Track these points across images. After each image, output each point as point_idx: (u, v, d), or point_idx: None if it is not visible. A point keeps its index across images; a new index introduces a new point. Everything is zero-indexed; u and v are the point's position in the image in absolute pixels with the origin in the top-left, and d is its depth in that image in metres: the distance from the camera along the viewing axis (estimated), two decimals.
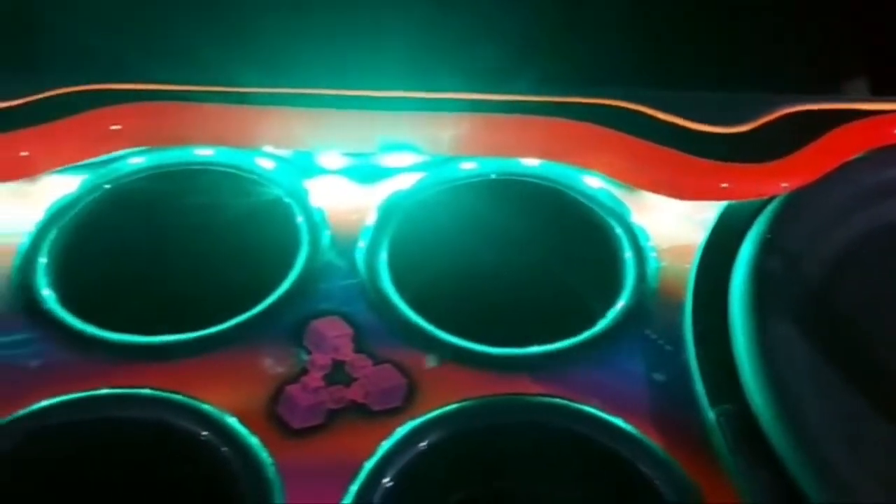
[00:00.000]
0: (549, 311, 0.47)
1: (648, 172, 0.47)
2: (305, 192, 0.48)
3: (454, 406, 0.38)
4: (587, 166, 0.48)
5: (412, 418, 0.38)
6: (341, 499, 0.35)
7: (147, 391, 0.37)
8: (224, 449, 0.36)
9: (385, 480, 0.35)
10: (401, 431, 0.37)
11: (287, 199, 0.47)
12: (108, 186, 0.47)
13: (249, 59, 0.50)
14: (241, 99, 0.49)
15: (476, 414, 0.37)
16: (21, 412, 0.36)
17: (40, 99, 0.48)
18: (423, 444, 0.36)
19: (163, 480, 0.37)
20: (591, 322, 0.43)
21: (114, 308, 0.44)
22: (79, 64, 0.50)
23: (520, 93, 0.50)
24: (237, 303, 0.44)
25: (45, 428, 0.36)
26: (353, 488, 0.35)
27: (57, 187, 0.47)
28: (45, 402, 0.37)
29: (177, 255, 0.48)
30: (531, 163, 0.50)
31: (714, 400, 0.38)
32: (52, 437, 0.36)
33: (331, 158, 0.50)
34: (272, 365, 0.40)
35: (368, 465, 0.36)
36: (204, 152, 0.50)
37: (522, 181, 0.49)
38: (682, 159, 0.47)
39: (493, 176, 0.48)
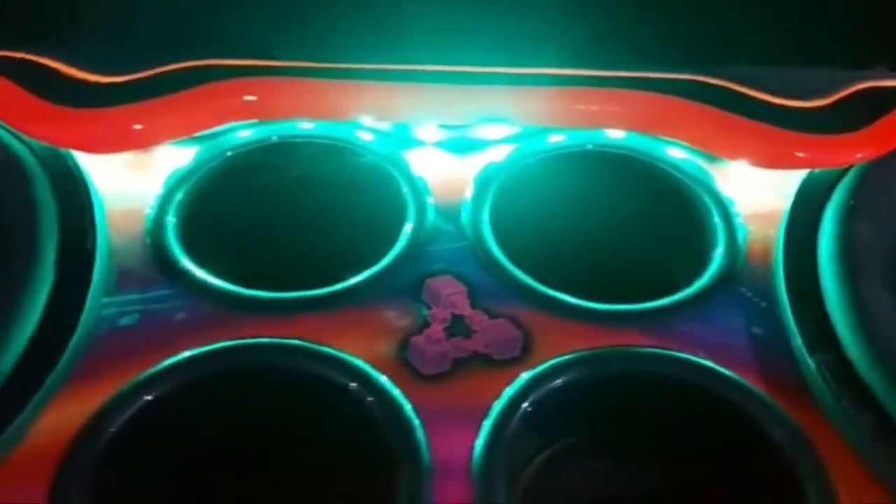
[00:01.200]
0: (642, 273, 0.50)
1: (734, 143, 0.50)
2: (405, 162, 0.51)
3: (570, 356, 0.41)
4: (675, 138, 0.51)
5: (532, 367, 0.41)
6: (476, 436, 0.38)
7: (292, 341, 0.40)
8: (366, 392, 0.39)
9: (512, 421, 0.38)
10: (524, 377, 0.40)
11: (391, 169, 0.50)
12: (229, 153, 0.50)
13: (349, 36, 0.53)
14: (342, 74, 0.52)
15: (592, 362, 0.40)
16: (176, 358, 0.39)
17: (155, 74, 0.51)
18: (544, 389, 0.39)
19: (311, 423, 0.40)
20: (686, 282, 0.46)
21: (235, 267, 0.47)
22: (186, 39, 0.52)
23: (606, 68, 0.53)
24: (350, 264, 0.47)
25: (200, 374, 0.39)
26: (486, 425, 0.38)
27: (170, 157, 0.50)
28: (197, 350, 0.40)
29: (290, 220, 0.50)
30: (617, 134, 0.53)
31: (812, 351, 0.41)
32: (205, 383, 0.39)
33: (427, 131, 0.53)
34: (396, 318, 0.43)
35: (497, 407, 0.39)
36: (305, 125, 0.53)
37: (614, 152, 0.52)
38: (765, 130, 0.50)
39: (590, 147, 0.51)
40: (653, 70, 0.53)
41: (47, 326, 0.40)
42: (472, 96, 0.52)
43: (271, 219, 0.51)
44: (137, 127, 0.48)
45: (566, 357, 0.40)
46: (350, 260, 0.47)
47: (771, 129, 0.50)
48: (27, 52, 0.51)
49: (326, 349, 0.40)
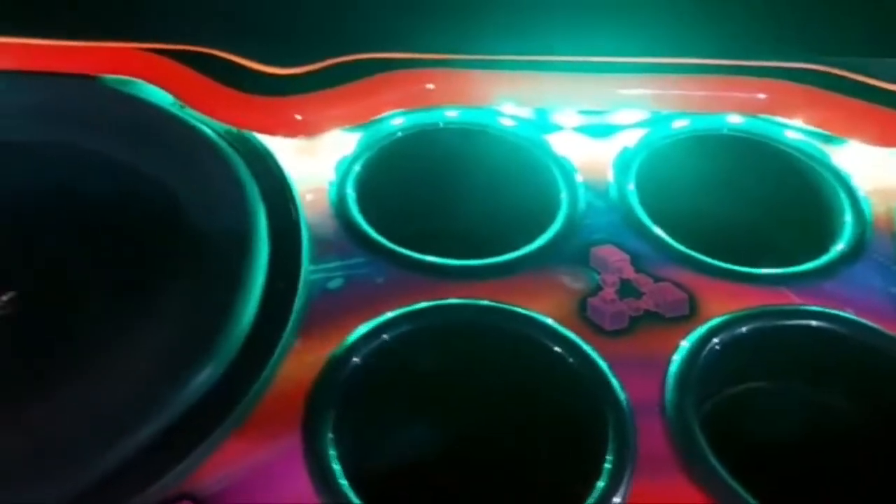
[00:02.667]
0: (776, 244, 0.55)
1: (849, 123, 0.56)
2: (549, 144, 0.56)
3: (736, 313, 0.46)
4: (795, 120, 0.56)
5: (701, 323, 0.45)
6: (662, 380, 0.43)
7: (488, 302, 0.45)
8: (559, 344, 0.44)
9: (693, 368, 0.43)
10: (698, 331, 0.45)
11: (539, 151, 0.55)
12: (399, 134, 0.55)
13: (492, 28, 0.58)
14: (487, 65, 0.57)
15: (758, 318, 0.45)
16: (393, 314, 0.44)
17: (326, 66, 0.56)
18: (716, 341, 0.44)
19: (509, 373, 0.45)
20: (819, 251, 0.51)
21: (407, 237, 0.51)
22: (349, 34, 0.57)
23: (729, 58, 0.58)
24: (512, 236, 0.52)
25: (417, 327, 0.44)
26: (671, 371, 0.43)
27: (335, 141, 0.55)
28: (408, 308, 0.44)
29: (452, 196, 0.55)
30: (737, 119, 0.58)
31: None
32: (420, 335, 0.44)
33: (566, 116, 0.58)
34: (570, 282, 0.48)
35: (676, 357, 0.44)
36: (450, 113, 0.57)
37: (741, 135, 0.57)
38: (877, 111, 0.55)
39: (724, 130, 0.56)
40: (772, 59, 0.58)
41: (274, 289, 0.44)
42: (606, 84, 0.58)
43: (436, 194, 0.55)
44: (298, 117, 0.53)
45: (732, 315, 0.45)
46: (511, 232, 0.52)
47: (882, 110, 0.56)
48: (204, 45, 0.56)
49: (519, 308, 0.45)
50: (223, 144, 0.51)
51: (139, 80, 0.55)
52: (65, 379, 0.39)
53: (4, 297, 0.48)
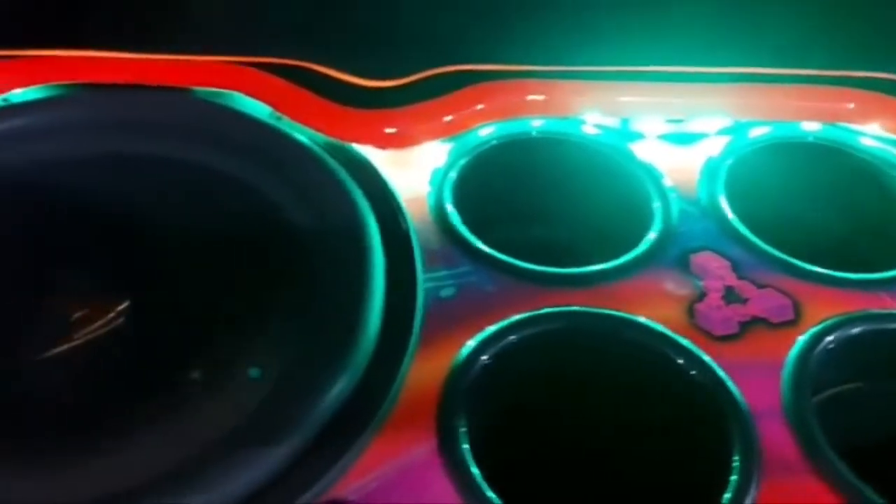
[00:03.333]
0: (857, 249, 0.56)
1: None
2: (637, 152, 0.57)
3: (842, 317, 0.47)
4: (872, 127, 0.58)
5: (809, 327, 0.46)
6: (779, 384, 0.44)
7: (600, 309, 0.46)
8: (674, 352, 0.45)
9: (805, 371, 0.44)
10: (808, 334, 0.46)
11: (629, 159, 0.56)
12: (494, 142, 0.56)
13: (579, 41, 0.59)
14: (573, 76, 0.58)
15: (863, 321, 0.46)
16: (510, 320, 0.45)
17: (417, 79, 0.57)
18: (828, 342, 0.45)
19: (628, 382, 0.46)
20: None
21: (501, 245, 0.52)
22: (436, 46, 0.58)
23: (809, 67, 0.60)
24: (606, 244, 0.53)
25: (535, 332, 0.45)
26: (786, 375, 0.44)
27: (425, 153, 0.56)
28: (524, 314, 0.45)
29: (547, 204, 0.56)
30: (814, 126, 0.59)
31: None
32: (535, 340, 0.45)
33: (649, 125, 0.59)
34: (675, 289, 0.49)
35: (790, 358, 0.45)
36: (538, 123, 0.59)
37: (822, 143, 0.58)
38: None
39: (811, 139, 0.57)
40: (848, 69, 0.60)
41: (394, 299, 0.45)
42: (688, 93, 0.59)
43: (528, 203, 0.56)
44: (390, 130, 0.55)
45: (842, 317, 0.46)
46: (606, 240, 0.53)
47: None
48: (299, 59, 0.57)
49: (632, 316, 0.46)
50: (328, 156, 0.52)
51: (235, 93, 0.56)
52: (208, 392, 0.40)
53: (120, 307, 0.49)
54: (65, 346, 0.47)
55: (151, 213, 0.51)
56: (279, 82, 0.56)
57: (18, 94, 0.55)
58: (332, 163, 0.51)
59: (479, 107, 0.56)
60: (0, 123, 0.52)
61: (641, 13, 0.60)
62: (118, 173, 0.52)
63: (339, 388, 0.40)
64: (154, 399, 0.42)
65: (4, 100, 0.55)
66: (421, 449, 0.40)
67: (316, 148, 0.52)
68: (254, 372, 0.42)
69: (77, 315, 0.48)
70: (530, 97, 0.57)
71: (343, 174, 0.50)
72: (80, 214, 0.51)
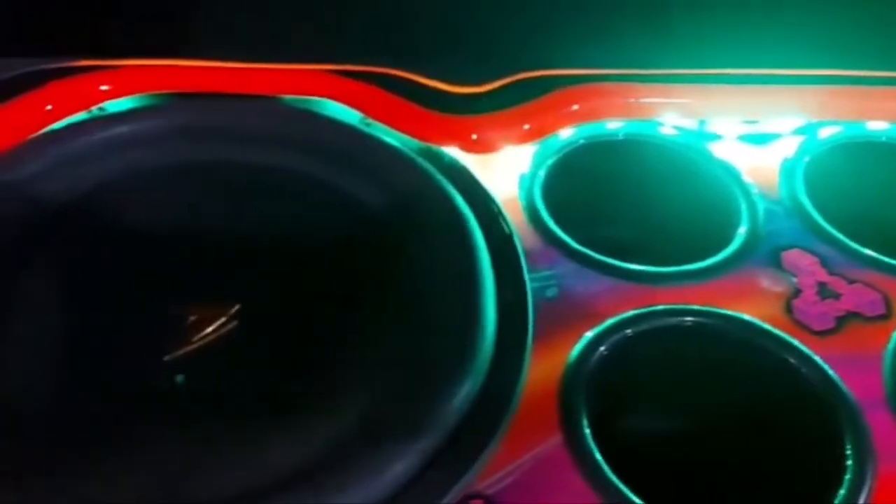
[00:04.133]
0: None
1: None
2: (718, 153, 0.58)
3: None
4: None
5: None
6: (881, 377, 0.45)
7: (702, 307, 0.48)
8: (779, 348, 0.46)
9: None
10: None
11: (711, 160, 0.58)
12: (581, 142, 0.57)
13: (660, 45, 0.61)
14: (656, 79, 0.60)
15: None
16: (624, 315, 0.47)
17: (503, 85, 0.58)
18: None
19: (734, 378, 0.47)
20: None
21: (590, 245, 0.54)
22: (519, 52, 0.60)
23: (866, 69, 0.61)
24: (696, 242, 0.54)
25: (646, 331, 0.46)
26: (887, 367, 0.46)
27: (510, 157, 0.58)
28: (630, 312, 0.47)
29: (632, 203, 0.58)
30: (881, 125, 0.61)
31: None
32: (643, 337, 0.46)
33: (726, 126, 0.60)
34: (770, 286, 0.50)
35: (888, 351, 0.46)
36: (617, 125, 0.60)
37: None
38: None
39: (883, 139, 0.59)
40: None
41: (506, 300, 0.46)
42: (763, 95, 0.60)
43: (615, 203, 0.58)
44: (474, 137, 0.56)
45: None
46: (691, 240, 0.55)
47: None
48: (386, 66, 0.58)
49: (734, 313, 0.48)
50: (426, 162, 0.53)
51: (324, 99, 0.57)
52: (332, 395, 0.42)
53: (231, 312, 0.50)
54: (184, 350, 0.48)
55: (253, 220, 0.52)
56: (368, 88, 0.57)
57: (115, 104, 0.57)
58: (432, 168, 0.52)
59: (564, 111, 0.58)
60: (102, 131, 0.53)
61: (717, 16, 0.61)
62: (219, 181, 0.53)
63: (468, 388, 0.41)
64: (282, 400, 0.43)
65: (101, 109, 0.56)
66: (548, 444, 0.42)
67: (413, 154, 0.53)
68: (375, 373, 0.44)
69: (191, 319, 0.49)
70: (612, 100, 0.59)
71: (442, 179, 0.52)
72: (183, 221, 0.52)
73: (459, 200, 0.51)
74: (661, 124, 0.59)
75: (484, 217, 0.51)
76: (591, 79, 0.59)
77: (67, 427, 0.43)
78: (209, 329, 0.49)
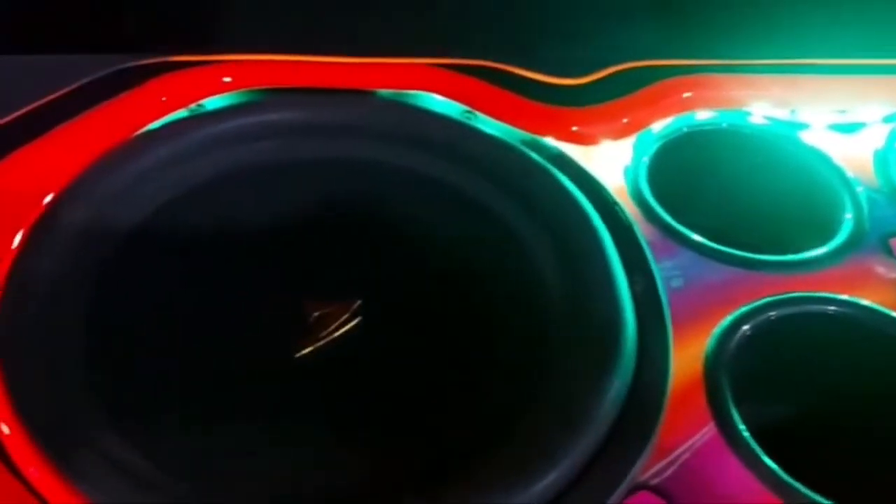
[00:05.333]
0: None
1: None
2: (811, 143, 0.59)
3: None
4: None
5: None
6: None
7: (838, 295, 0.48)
8: None
9: None
10: None
11: (808, 149, 0.58)
12: (685, 130, 0.58)
13: (753, 37, 0.61)
14: (748, 70, 0.60)
15: None
16: (757, 303, 0.47)
17: (605, 76, 0.59)
18: None
19: (864, 365, 0.48)
20: None
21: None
22: (613, 44, 0.60)
23: None
24: (799, 228, 0.55)
25: (780, 318, 0.47)
26: None
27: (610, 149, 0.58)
28: (767, 299, 0.47)
29: (734, 193, 0.58)
30: None
31: None
32: (778, 323, 0.47)
33: (816, 115, 0.61)
34: (886, 273, 0.51)
35: None
36: (706, 115, 0.61)
37: None
38: None
39: None
40: None
41: (638, 292, 0.47)
42: (852, 85, 0.61)
43: (717, 193, 0.58)
44: (575, 129, 0.56)
45: None
46: (794, 228, 0.55)
47: None
48: (486, 59, 0.58)
49: (866, 301, 0.48)
50: (530, 153, 0.53)
51: (423, 92, 0.57)
52: (471, 388, 0.42)
53: (354, 307, 0.50)
54: (312, 346, 0.47)
55: (362, 216, 0.52)
56: (469, 81, 0.57)
57: (213, 100, 0.56)
58: (545, 161, 0.53)
59: (663, 102, 0.58)
60: (211, 126, 0.53)
61: (806, 7, 0.62)
62: (326, 177, 0.53)
63: (622, 381, 0.42)
64: (432, 399, 0.43)
65: (199, 105, 0.56)
66: (702, 432, 0.42)
67: (524, 146, 0.54)
68: (517, 369, 0.44)
69: (315, 315, 0.49)
70: (710, 91, 0.59)
71: (558, 172, 0.52)
72: (295, 217, 0.52)
73: (578, 193, 0.51)
74: (754, 114, 0.60)
75: (601, 209, 0.51)
76: (686, 70, 0.59)
77: (212, 423, 0.42)
78: (334, 325, 0.49)
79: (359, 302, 0.49)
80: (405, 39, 0.57)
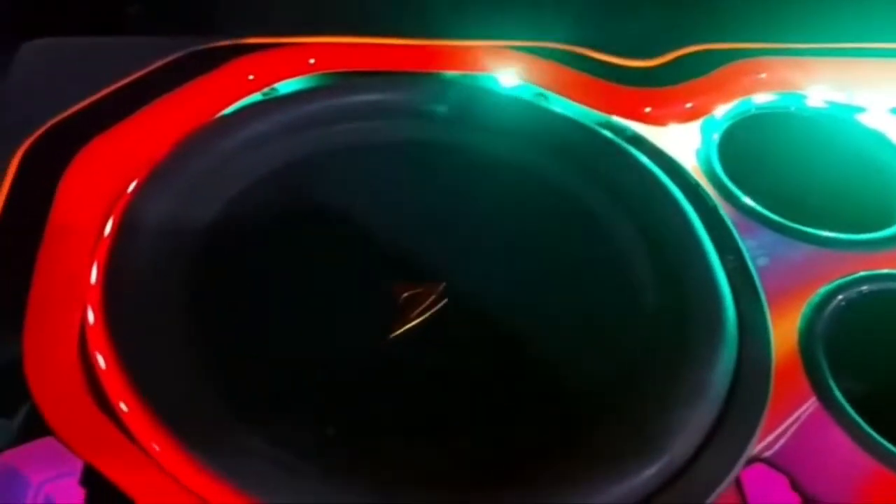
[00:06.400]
0: None
1: None
2: (872, 126, 0.60)
3: None
4: None
5: None
6: None
7: None
8: None
9: None
10: None
11: (872, 132, 0.59)
12: (753, 111, 0.59)
13: (817, 21, 0.62)
14: (811, 53, 0.61)
15: None
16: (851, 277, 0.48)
17: (675, 58, 0.59)
18: None
19: None
20: None
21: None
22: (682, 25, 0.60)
23: None
24: (866, 211, 0.56)
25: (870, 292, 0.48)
26: None
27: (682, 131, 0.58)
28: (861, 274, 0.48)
29: (800, 175, 0.59)
30: None
31: None
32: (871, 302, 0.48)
33: (876, 98, 0.62)
34: None
35: None
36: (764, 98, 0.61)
37: None
38: None
39: None
40: None
41: (729, 267, 0.47)
42: None
43: (783, 175, 0.59)
44: (688, 106, 0.57)
45: None
46: (860, 206, 0.56)
47: None
48: (557, 41, 0.58)
49: None
50: (615, 136, 0.54)
51: (495, 74, 0.57)
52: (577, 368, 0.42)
53: (440, 289, 0.50)
54: (404, 328, 0.48)
55: (445, 199, 0.52)
56: (542, 62, 0.57)
57: (287, 84, 0.56)
58: (625, 144, 0.53)
59: (734, 85, 0.59)
60: (297, 108, 0.52)
61: None
62: (414, 159, 0.53)
63: (729, 356, 0.42)
64: (530, 377, 0.43)
65: (273, 89, 0.56)
66: (805, 405, 0.43)
67: (601, 128, 0.54)
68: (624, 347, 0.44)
69: (404, 296, 0.49)
70: (770, 74, 0.60)
71: (640, 154, 0.52)
72: (373, 201, 0.52)
73: (662, 174, 0.51)
74: (816, 98, 0.61)
75: (684, 190, 0.52)
76: (752, 53, 0.60)
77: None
78: (422, 307, 0.49)
79: (444, 284, 0.49)
80: (480, 22, 0.57)
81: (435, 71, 0.56)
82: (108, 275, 0.43)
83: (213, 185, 0.49)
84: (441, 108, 0.53)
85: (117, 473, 0.35)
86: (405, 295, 0.49)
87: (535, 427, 0.41)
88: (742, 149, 0.58)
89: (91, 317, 0.42)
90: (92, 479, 0.34)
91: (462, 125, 0.53)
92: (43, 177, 0.47)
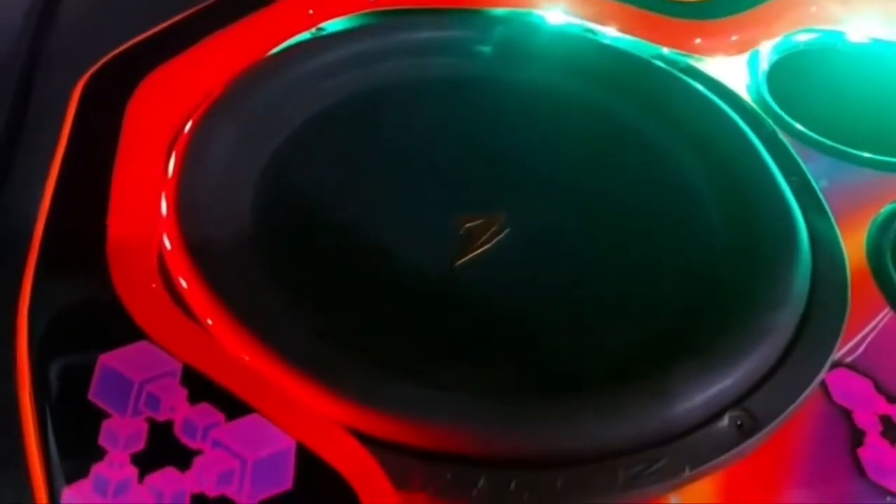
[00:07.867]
0: None
1: None
2: None
3: None
4: None
5: None
6: None
7: None
8: None
9: None
10: None
11: None
12: (801, 47, 0.59)
13: None
14: None
15: None
16: None
17: None
18: None
19: None
20: None
21: None
22: None
23: None
24: None
25: None
26: None
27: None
28: None
29: (849, 110, 0.59)
30: None
31: None
32: None
33: None
34: None
35: None
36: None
37: None
38: None
39: None
40: None
41: (794, 185, 0.48)
42: None
43: (836, 109, 0.59)
44: (734, 38, 0.57)
45: None
46: None
47: None
48: None
49: None
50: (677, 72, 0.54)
51: (546, 8, 0.57)
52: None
53: (501, 220, 0.50)
54: (468, 256, 0.47)
55: (505, 133, 0.52)
56: None
57: (333, 23, 0.56)
58: (679, 74, 0.53)
59: (784, 18, 0.59)
60: (337, 49, 0.52)
61: None
62: (469, 94, 0.53)
63: (806, 259, 0.43)
64: (609, 298, 0.43)
65: (319, 29, 0.55)
66: (880, 314, 0.43)
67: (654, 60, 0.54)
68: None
69: (466, 227, 0.49)
70: (814, 9, 0.60)
71: (695, 82, 0.53)
72: (436, 134, 0.52)
73: (720, 100, 0.52)
74: (863, 34, 0.61)
75: (741, 116, 0.52)
76: None
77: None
78: (485, 236, 0.49)
79: (505, 214, 0.49)
80: None
81: (486, 6, 0.56)
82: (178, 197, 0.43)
83: (275, 118, 0.49)
84: (496, 44, 0.53)
85: (216, 374, 0.34)
86: (467, 225, 0.49)
87: (626, 336, 0.41)
88: (789, 81, 0.59)
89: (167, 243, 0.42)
90: (192, 379, 0.34)
91: (517, 60, 0.53)
92: (106, 107, 0.46)
